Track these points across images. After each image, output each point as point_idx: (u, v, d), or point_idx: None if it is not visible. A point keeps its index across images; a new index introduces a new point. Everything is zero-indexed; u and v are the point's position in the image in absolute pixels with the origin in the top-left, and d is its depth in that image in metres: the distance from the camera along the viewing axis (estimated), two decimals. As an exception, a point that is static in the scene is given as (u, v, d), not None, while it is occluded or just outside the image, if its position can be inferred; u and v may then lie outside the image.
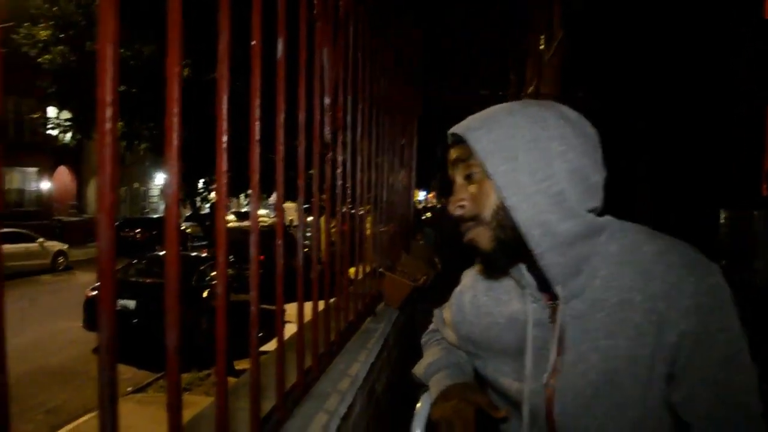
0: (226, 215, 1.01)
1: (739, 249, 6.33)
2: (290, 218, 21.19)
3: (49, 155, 22.90)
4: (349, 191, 2.16)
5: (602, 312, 0.88)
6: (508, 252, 0.91)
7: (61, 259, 17.16)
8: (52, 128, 10.95)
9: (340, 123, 1.97)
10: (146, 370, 7.79)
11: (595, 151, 0.90)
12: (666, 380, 0.86)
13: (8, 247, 13.82)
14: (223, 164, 0.97)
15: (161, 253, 10.61)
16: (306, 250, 1.52)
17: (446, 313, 1.23)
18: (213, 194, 10.32)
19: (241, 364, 6.96)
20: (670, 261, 0.86)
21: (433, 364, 1.19)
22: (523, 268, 0.94)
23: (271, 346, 6.01)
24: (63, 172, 25.34)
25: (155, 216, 26.89)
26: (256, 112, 1.14)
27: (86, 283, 9.98)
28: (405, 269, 3.25)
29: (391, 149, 3.34)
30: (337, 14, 1.89)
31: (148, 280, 9.17)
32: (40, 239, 16.48)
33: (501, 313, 1.03)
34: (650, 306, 0.84)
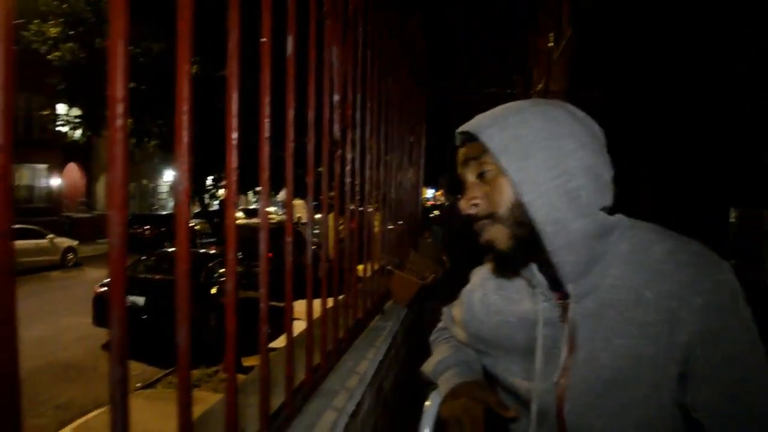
0: (236, 212, 1.01)
1: (749, 248, 6.28)
2: (299, 215, 21.21)
3: (58, 152, 23.01)
4: (357, 189, 2.16)
5: (614, 311, 0.87)
6: (525, 250, 0.91)
7: (70, 256, 17.25)
8: (62, 125, 11.06)
9: (349, 120, 1.97)
10: (155, 366, 7.83)
11: (603, 150, 0.91)
12: (678, 380, 0.85)
13: (18, 243, 13.68)
14: (233, 161, 0.97)
15: (170, 250, 10.67)
16: (314, 247, 1.52)
17: (455, 311, 1.23)
18: (221, 191, 10.35)
19: (249, 361, 6.98)
20: (681, 260, 0.85)
21: (442, 362, 1.19)
22: (534, 267, 0.94)
23: (279, 343, 6.02)
24: (72, 169, 25.48)
25: (164, 213, 27.05)
26: (266, 109, 1.14)
27: (95, 280, 10.02)
28: (413, 267, 3.26)
29: (399, 147, 3.34)
30: (346, 12, 1.89)
31: (157, 277, 9.19)
32: (50, 235, 16.56)
33: (511, 312, 1.02)
34: (662, 305, 0.83)
